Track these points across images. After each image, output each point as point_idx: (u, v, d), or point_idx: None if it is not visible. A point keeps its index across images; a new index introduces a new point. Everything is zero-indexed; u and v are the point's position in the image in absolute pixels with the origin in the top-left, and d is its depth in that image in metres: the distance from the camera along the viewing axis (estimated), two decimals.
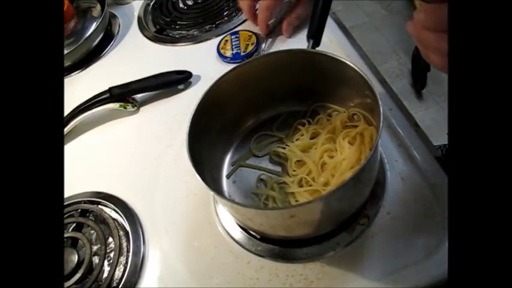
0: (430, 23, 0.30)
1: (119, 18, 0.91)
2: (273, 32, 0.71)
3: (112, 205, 0.57)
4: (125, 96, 0.68)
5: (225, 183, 0.54)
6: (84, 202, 0.59)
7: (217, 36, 0.76)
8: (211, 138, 0.52)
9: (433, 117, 1.61)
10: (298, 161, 0.51)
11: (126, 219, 0.55)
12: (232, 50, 0.70)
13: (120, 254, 0.52)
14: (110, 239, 0.54)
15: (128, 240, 0.53)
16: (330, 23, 0.66)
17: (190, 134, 0.45)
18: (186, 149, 0.44)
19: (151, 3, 0.91)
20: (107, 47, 0.85)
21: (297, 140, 0.54)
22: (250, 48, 0.69)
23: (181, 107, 0.66)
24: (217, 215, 0.52)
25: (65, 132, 0.68)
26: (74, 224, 0.56)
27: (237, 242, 0.49)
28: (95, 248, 0.54)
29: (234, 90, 0.52)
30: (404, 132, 0.52)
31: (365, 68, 0.60)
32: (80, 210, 0.58)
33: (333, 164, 0.48)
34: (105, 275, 0.51)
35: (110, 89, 0.67)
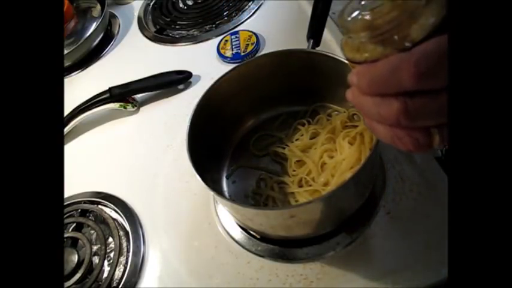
0: (364, 86, 0.26)
1: (119, 18, 0.91)
2: None
3: (112, 205, 0.57)
4: (125, 96, 0.68)
5: (225, 184, 0.54)
6: (84, 202, 0.59)
7: (217, 36, 0.76)
8: (212, 138, 0.52)
9: None
10: (298, 161, 0.51)
11: (126, 219, 0.55)
12: (232, 50, 0.70)
13: (120, 254, 0.52)
14: (110, 239, 0.54)
15: (128, 240, 0.53)
16: (330, 23, 0.66)
17: (190, 134, 0.45)
18: (186, 149, 0.44)
19: (151, 3, 0.91)
20: (107, 47, 0.85)
21: (296, 140, 0.54)
22: (250, 48, 0.69)
23: (181, 107, 0.66)
24: (217, 215, 0.52)
25: (65, 132, 0.68)
26: (74, 224, 0.56)
27: (237, 242, 0.49)
28: (95, 248, 0.54)
29: (234, 90, 0.52)
30: None
31: None
32: (80, 210, 0.58)
33: (332, 164, 0.48)
34: (105, 275, 0.51)
35: (110, 89, 0.67)
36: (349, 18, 0.27)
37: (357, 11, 0.27)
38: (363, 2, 0.27)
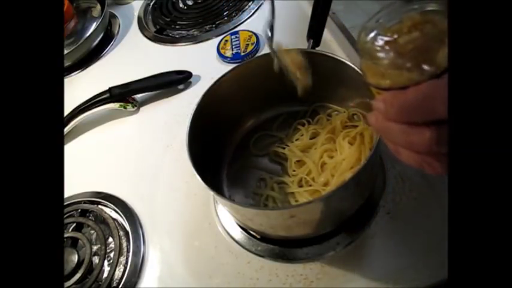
0: (392, 114, 0.25)
1: (119, 18, 0.91)
2: None
3: (112, 205, 0.57)
4: (125, 96, 0.68)
5: (225, 183, 0.54)
6: (84, 202, 0.59)
7: (217, 36, 0.76)
8: (211, 138, 0.52)
9: None
10: (298, 161, 0.51)
11: (126, 219, 0.55)
12: (232, 50, 0.70)
13: (120, 254, 0.52)
14: (110, 239, 0.54)
15: (128, 240, 0.53)
16: (330, 23, 0.66)
17: (190, 134, 0.45)
18: (186, 149, 0.44)
19: (151, 3, 0.91)
20: (107, 47, 0.85)
21: (296, 140, 0.54)
22: (250, 48, 0.69)
23: (181, 107, 0.66)
24: (217, 215, 0.52)
25: (65, 132, 0.68)
26: (74, 224, 0.56)
27: (237, 242, 0.49)
28: (95, 248, 0.54)
29: (234, 90, 0.52)
30: None
31: None
32: (80, 210, 0.58)
33: (332, 164, 0.48)
34: (105, 275, 0.51)
35: (110, 89, 0.67)
36: (367, 39, 0.26)
37: (375, 31, 0.26)
38: (380, 20, 0.27)
